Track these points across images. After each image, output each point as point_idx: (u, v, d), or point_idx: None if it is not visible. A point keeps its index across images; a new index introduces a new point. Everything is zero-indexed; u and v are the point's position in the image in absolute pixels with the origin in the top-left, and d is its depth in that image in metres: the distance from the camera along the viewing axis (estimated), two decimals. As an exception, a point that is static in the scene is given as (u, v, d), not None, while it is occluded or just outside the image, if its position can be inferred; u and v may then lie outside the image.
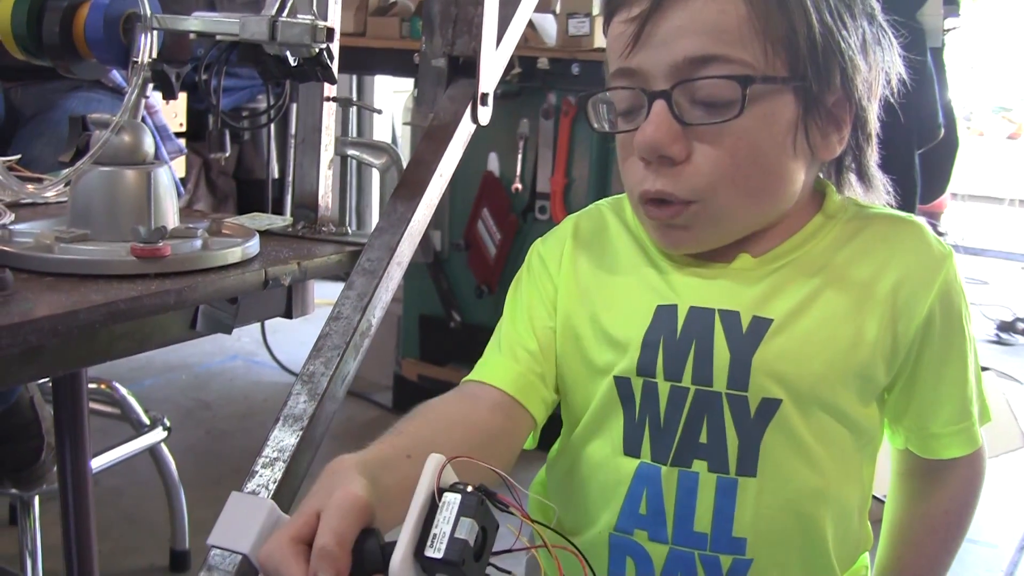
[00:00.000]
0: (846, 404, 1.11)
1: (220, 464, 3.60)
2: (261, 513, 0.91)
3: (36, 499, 2.40)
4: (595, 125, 1.14)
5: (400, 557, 0.80)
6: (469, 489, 0.82)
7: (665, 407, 1.13)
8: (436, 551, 0.80)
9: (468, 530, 0.80)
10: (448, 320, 3.95)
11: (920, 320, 1.12)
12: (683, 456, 1.12)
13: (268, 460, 0.99)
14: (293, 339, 4.70)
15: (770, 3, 1.03)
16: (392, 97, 5.64)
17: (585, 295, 1.22)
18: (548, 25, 3.70)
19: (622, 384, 1.15)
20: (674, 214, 1.08)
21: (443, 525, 0.81)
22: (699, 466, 1.12)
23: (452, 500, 0.82)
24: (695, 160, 1.05)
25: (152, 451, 2.82)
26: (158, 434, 2.80)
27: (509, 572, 0.84)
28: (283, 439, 1.01)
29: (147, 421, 2.80)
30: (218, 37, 1.39)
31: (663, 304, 1.14)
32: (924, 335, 1.13)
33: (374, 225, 1.34)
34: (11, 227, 1.40)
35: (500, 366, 1.23)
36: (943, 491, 1.26)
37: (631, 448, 1.15)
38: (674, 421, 1.12)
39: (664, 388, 1.12)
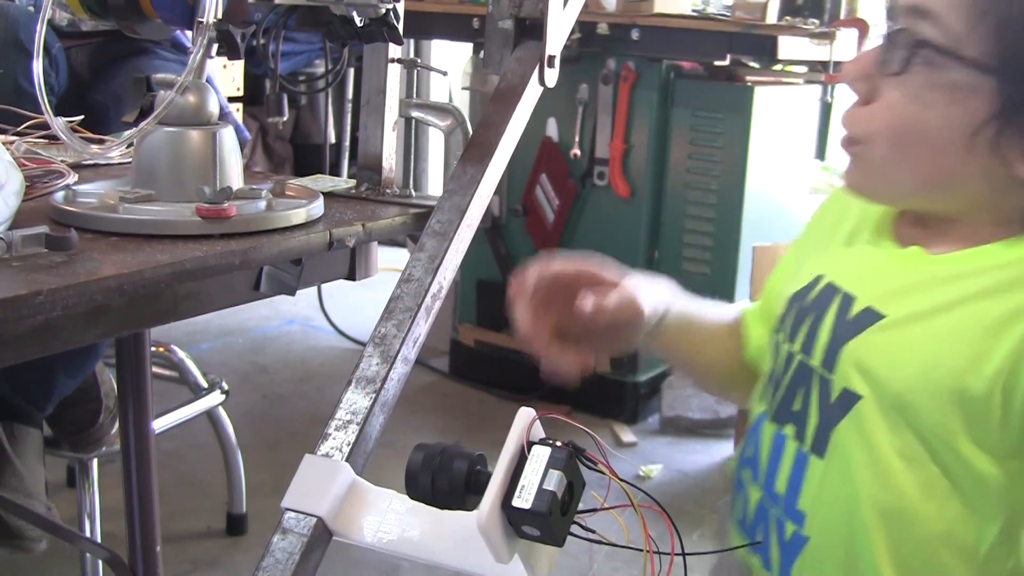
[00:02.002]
0: (944, 432, 1.02)
1: (277, 428, 3.61)
2: (336, 476, 0.90)
3: (95, 461, 2.41)
4: None
5: (488, 506, 0.80)
6: (558, 444, 0.82)
7: (781, 366, 1.18)
8: (524, 501, 0.80)
9: (557, 483, 0.80)
10: (506, 285, 3.93)
11: None
12: (780, 416, 1.17)
13: (341, 423, 0.98)
14: (350, 304, 4.71)
15: None
16: (450, 62, 5.62)
17: (800, 249, 1.29)
18: (608, -11, 3.67)
19: (771, 336, 1.23)
20: (845, 146, 1.10)
21: (531, 476, 0.81)
22: (788, 430, 1.15)
23: (541, 453, 0.82)
24: (873, 104, 1.06)
25: (209, 414, 2.83)
26: (216, 397, 2.80)
27: (593, 531, 0.84)
28: (356, 401, 1.00)
29: (205, 384, 2.81)
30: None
31: (816, 273, 1.17)
32: None
33: (431, 188, 1.34)
34: (75, 187, 1.39)
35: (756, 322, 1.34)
36: None
37: (762, 395, 1.23)
38: (782, 382, 1.17)
39: (784, 349, 1.17)
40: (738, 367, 1.35)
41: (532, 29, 1.45)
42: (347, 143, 4.89)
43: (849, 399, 1.07)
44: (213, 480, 3.07)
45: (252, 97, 4.57)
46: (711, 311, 1.37)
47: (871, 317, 1.07)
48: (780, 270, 1.32)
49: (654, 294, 1.27)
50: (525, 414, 0.84)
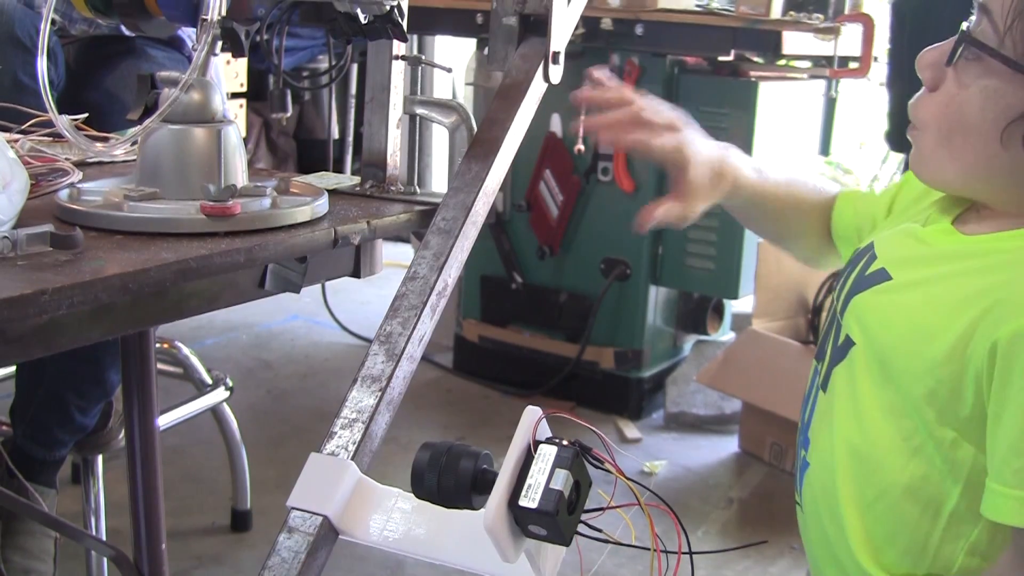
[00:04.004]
0: (914, 393, 1.10)
1: (281, 424, 3.61)
2: (342, 475, 0.90)
3: (100, 458, 2.41)
4: None
5: (495, 506, 0.80)
6: (565, 442, 0.82)
7: (828, 312, 1.30)
8: (530, 500, 0.80)
9: (563, 481, 0.80)
10: (510, 281, 3.94)
11: (987, 347, 1.03)
12: (818, 353, 1.28)
13: (347, 421, 0.98)
14: (353, 299, 4.72)
15: None
16: (453, 57, 5.62)
17: (888, 199, 1.37)
18: (612, -16, 3.66)
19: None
20: (909, 131, 1.16)
21: (538, 476, 0.81)
22: (819, 365, 1.27)
23: (548, 452, 0.82)
24: (935, 93, 1.12)
25: (214, 410, 2.83)
26: (220, 394, 2.80)
27: (600, 530, 0.84)
28: (362, 399, 1.00)
29: (209, 381, 2.81)
30: (288, -5, 1.38)
31: (873, 237, 1.26)
32: (988, 367, 1.03)
33: (435, 183, 1.34)
34: (79, 185, 1.39)
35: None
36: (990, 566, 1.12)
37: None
38: (825, 324, 1.29)
39: (834, 295, 1.28)
40: (823, 242, 1.45)
41: (536, 25, 1.45)
42: (351, 139, 4.89)
43: (847, 345, 1.19)
44: (217, 476, 3.07)
45: (256, 93, 4.58)
46: (803, 183, 1.45)
47: (881, 277, 1.17)
48: (882, 194, 1.39)
49: (714, 154, 1.38)
50: (531, 413, 0.84)
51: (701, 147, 1.36)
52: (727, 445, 3.64)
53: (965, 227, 1.15)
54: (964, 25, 1.09)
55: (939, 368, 1.06)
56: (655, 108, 1.38)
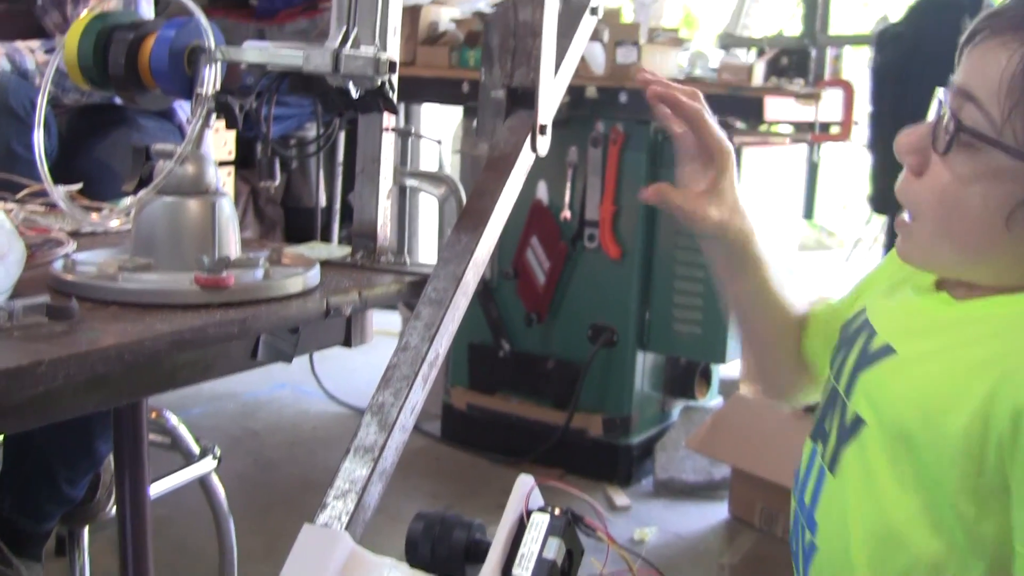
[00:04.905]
0: (935, 467, 1.06)
1: (269, 493, 3.60)
2: (335, 546, 0.91)
3: (86, 529, 2.40)
4: None
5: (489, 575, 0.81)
6: (556, 511, 0.83)
7: (825, 389, 1.28)
8: (524, 570, 0.81)
9: (556, 550, 0.81)
10: (497, 348, 3.95)
11: (1009, 413, 1.01)
12: (815, 433, 1.27)
13: (340, 491, 0.98)
14: (340, 367, 4.71)
15: None
16: (440, 125, 5.66)
17: (865, 285, 1.38)
18: (596, 54, 3.71)
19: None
20: (900, 220, 1.16)
21: (531, 545, 0.81)
22: (819, 447, 1.24)
23: (540, 521, 0.83)
24: (924, 178, 1.11)
25: (201, 480, 2.81)
26: (208, 464, 2.79)
27: None
28: (355, 470, 1.00)
29: (197, 450, 2.80)
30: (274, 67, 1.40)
31: (861, 306, 1.28)
32: (1011, 433, 1.01)
33: (421, 253, 1.35)
34: (73, 256, 1.40)
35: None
36: None
37: (814, 415, 1.31)
38: (822, 403, 1.28)
39: (828, 373, 1.28)
40: (792, 357, 1.45)
41: (524, 98, 1.47)
42: (337, 207, 4.91)
43: (857, 424, 1.16)
44: (205, 546, 3.05)
45: (243, 160, 4.60)
46: (789, 291, 1.44)
47: (885, 352, 1.15)
48: (840, 305, 1.40)
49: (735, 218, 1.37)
50: (524, 482, 0.85)
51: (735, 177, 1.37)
52: (717, 511, 3.63)
53: (955, 291, 1.15)
54: (945, 109, 1.08)
55: (960, 439, 1.03)
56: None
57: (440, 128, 5.53)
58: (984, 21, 1.09)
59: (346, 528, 0.96)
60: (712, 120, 1.35)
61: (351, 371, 4.71)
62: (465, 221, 1.34)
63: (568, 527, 0.83)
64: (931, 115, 1.13)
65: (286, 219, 5.45)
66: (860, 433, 1.15)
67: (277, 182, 1.51)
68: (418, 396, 1.11)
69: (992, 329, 1.08)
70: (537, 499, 0.86)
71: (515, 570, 0.81)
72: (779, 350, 1.47)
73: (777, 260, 1.42)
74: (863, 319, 1.24)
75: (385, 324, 4.26)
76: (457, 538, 0.87)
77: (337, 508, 0.98)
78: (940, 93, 1.13)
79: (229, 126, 1.39)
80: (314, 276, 1.41)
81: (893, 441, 1.11)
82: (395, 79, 1.42)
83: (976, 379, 1.03)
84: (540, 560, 0.81)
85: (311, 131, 4.96)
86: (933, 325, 1.14)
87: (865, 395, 1.16)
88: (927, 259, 1.16)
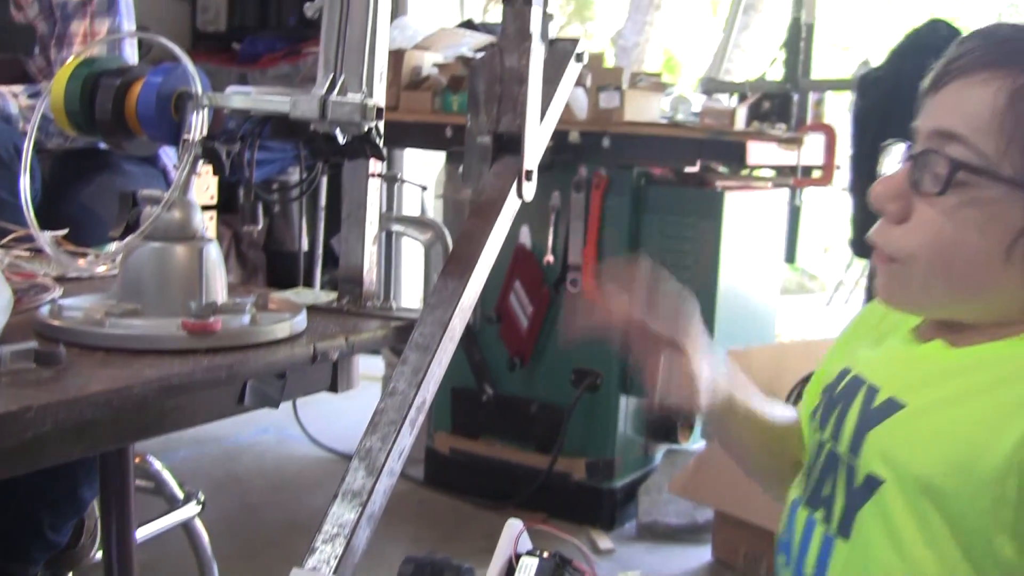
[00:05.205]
0: (970, 515, 1.05)
1: (253, 537, 3.58)
2: (325, 591, 0.91)
3: (70, 574, 2.40)
4: None
5: None
6: (545, 555, 0.83)
7: (813, 454, 1.25)
8: None
9: None
10: (480, 393, 3.95)
11: None
12: (812, 501, 1.23)
13: (328, 536, 0.99)
14: (324, 411, 4.70)
15: None
16: (422, 169, 5.68)
17: (836, 350, 1.35)
18: (579, 98, 3.73)
19: (806, 427, 1.32)
20: (879, 263, 1.15)
21: None
22: (818, 515, 1.21)
23: (529, 564, 0.83)
24: (909, 224, 1.11)
25: (185, 525, 2.81)
26: (192, 509, 2.78)
27: None
28: (343, 514, 1.01)
29: (181, 495, 2.80)
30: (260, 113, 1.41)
31: (845, 367, 1.25)
32: None
33: (405, 297, 1.36)
34: (60, 301, 1.40)
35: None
36: None
37: (798, 483, 1.28)
38: (815, 468, 1.24)
39: (816, 437, 1.25)
40: (794, 466, 1.37)
41: (510, 144, 1.49)
42: (320, 251, 4.91)
43: (872, 483, 1.12)
44: (188, 591, 3.04)
45: (226, 205, 4.60)
46: (771, 411, 1.40)
47: (893, 406, 1.13)
48: (820, 371, 1.37)
49: (714, 382, 1.31)
50: (513, 525, 0.86)
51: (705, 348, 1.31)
52: (700, 555, 3.62)
53: (947, 337, 1.15)
54: (913, 152, 1.10)
55: (994, 484, 1.02)
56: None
57: (422, 173, 5.56)
58: (947, 66, 1.11)
59: (335, 572, 0.97)
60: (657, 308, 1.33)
61: (333, 415, 4.70)
62: (452, 267, 1.35)
63: (556, 570, 0.83)
64: (897, 163, 1.14)
65: (268, 263, 5.46)
66: (878, 493, 1.12)
67: (260, 226, 1.51)
68: (406, 441, 1.12)
69: (1007, 372, 1.07)
70: (525, 543, 0.86)
71: None
72: (782, 465, 1.41)
73: (755, 392, 1.39)
74: (851, 377, 1.22)
75: (368, 368, 4.25)
76: None
77: (326, 552, 0.98)
78: (897, 145, 1.15)
79: (216, 172, 1.40)
80: (301, 321, 1.41)
81: (917, 495, 1.08)
82: (382, 125, 1.43)
83: (1006, 423, 1.02)
84: None
85: (293, 175, 4.98)
86: (939, 373, 1.13)
87: (879, 453, 1.12)
88: (917, 300, 1.16)
